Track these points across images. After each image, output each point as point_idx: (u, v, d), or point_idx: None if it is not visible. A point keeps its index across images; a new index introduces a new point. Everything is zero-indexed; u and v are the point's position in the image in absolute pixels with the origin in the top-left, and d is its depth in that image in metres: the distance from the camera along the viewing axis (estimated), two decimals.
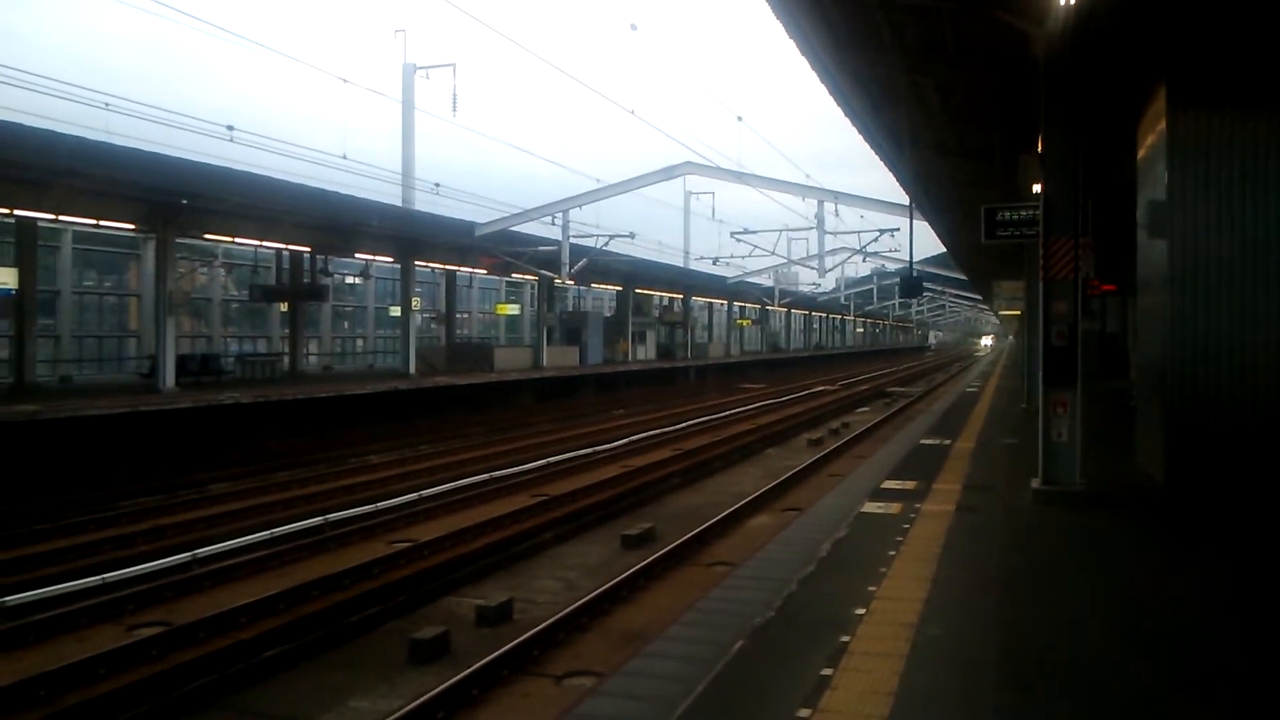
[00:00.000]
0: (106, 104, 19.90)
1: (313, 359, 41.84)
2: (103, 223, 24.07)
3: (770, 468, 20.33)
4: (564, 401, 36.34)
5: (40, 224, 24.94)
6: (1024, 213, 12.06)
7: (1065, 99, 10.64)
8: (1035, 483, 10.93)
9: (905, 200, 23.54)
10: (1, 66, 17.03)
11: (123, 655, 8.29)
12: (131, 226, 26.06)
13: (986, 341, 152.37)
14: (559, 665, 8.35)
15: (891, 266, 60.15)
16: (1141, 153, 13.13)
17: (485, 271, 40.51)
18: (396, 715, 6.89)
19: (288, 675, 8.37)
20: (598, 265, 38.18)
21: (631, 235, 36.67)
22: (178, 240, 25.57)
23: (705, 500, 16.37)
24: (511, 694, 7.75)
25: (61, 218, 23.51)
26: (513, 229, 33.31)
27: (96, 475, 17.36)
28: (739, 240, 41.89)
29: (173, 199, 22.86)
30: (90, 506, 14.97)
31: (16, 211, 21.76)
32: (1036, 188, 11.28)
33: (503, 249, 34.50)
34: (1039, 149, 10.95)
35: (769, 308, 69.25)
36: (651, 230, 62.93)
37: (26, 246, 24.87)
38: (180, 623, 9.14)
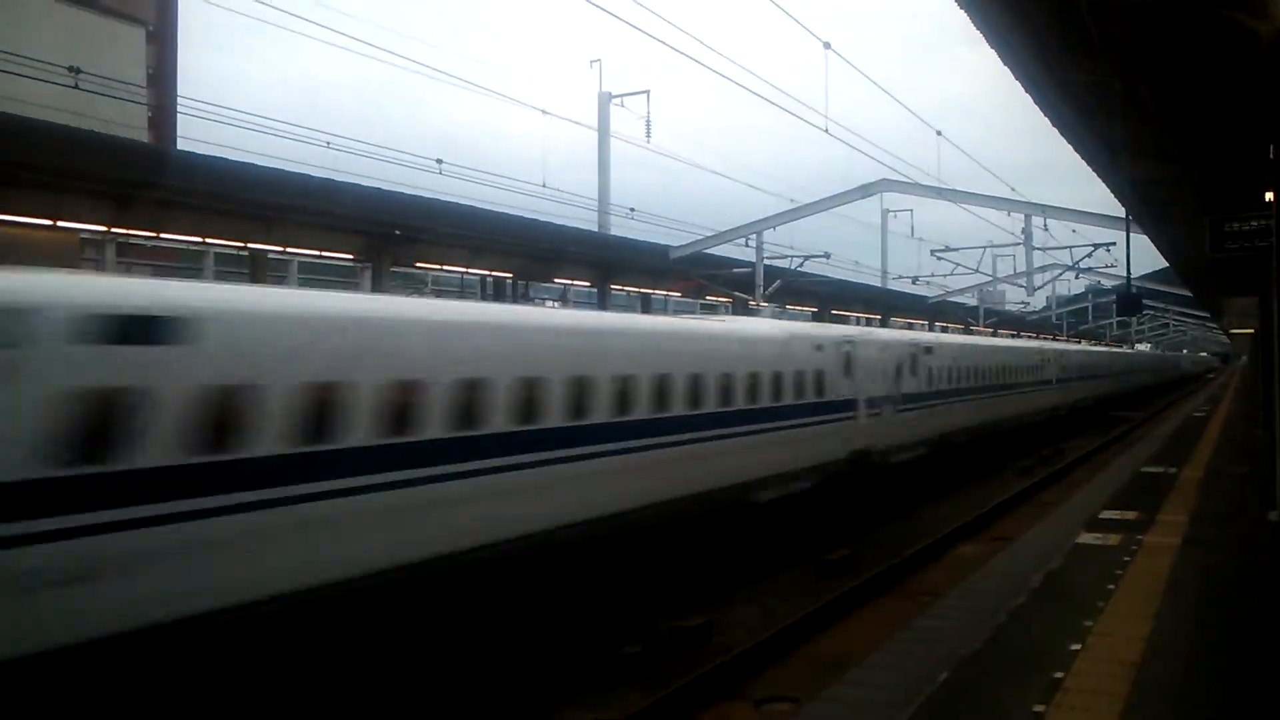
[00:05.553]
0: (328, 143, 21.42)
1: None
2: (325, 254, 25.79)
3: (977, 495, 19.57)
4: None
5: (270, 255, 26.93)
6: (1254, 223, 11.26)
7: None
8: (1273, 515, 10.07)
9: (1120, 212, 22.24)
10: (235, 110, 18.60)
11: None
12: (350, 256, 27.75)
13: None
14: (757, 689, 8.29)
15: (1108, 284, 56.84)
16: None
17: (680, 294, 40.94)
18: None
19: None
20: (792, 286, 37.84)
21: (826, 255, 36.21)
22: (391, 269, 27.11)
23: (908, 528, 15.92)
24: (711, 717, 7.75)
25: (288, 250, 25.37)
26: (706, 251, 33.47)
27: None
28: (939, 258, 40.67)
29: (387, 230, 24.27)
30: None
31: (250, 245, 23.64)
32: (1269, 196, 10.45)
33: (697, 271, 34.72)
34: (1271, 155, 10.15)
35: (973, 327, 66.89)
36: (847, 249, 61.86)
37: (259, 276, 26.91)
38: None
